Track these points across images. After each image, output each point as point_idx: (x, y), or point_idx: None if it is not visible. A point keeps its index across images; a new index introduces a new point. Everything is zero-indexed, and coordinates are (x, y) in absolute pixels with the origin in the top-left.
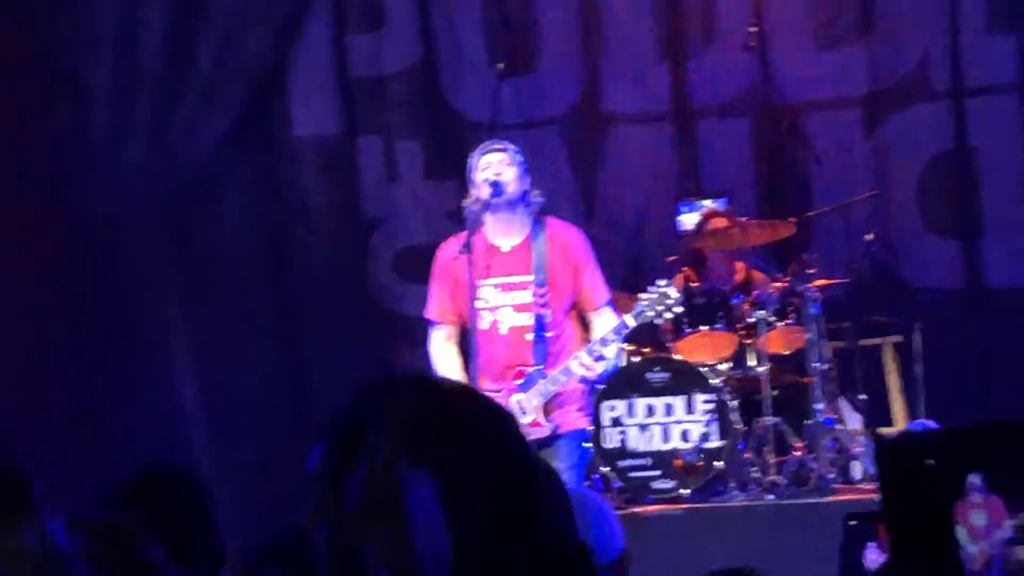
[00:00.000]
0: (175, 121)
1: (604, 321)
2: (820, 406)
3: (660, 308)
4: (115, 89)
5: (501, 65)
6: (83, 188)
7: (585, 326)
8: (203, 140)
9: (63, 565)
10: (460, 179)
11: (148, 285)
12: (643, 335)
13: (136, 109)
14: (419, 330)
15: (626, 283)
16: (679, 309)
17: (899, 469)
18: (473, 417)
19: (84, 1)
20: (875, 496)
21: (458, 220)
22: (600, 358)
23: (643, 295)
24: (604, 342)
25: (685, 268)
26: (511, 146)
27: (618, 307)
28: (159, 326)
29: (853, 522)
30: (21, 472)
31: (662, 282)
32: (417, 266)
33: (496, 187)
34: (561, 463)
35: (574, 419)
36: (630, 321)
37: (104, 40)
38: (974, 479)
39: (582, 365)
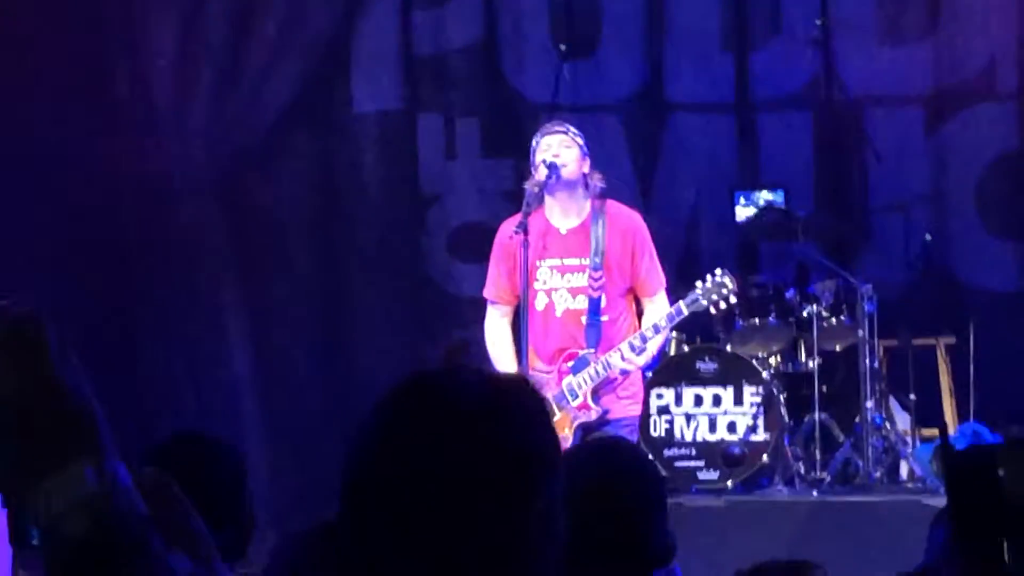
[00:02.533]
0: (237, 90)
1: (658, 308)
2: (869, 404)
3: (715, 297)
4: (177, 55)
5: (563, 47)
6: (142, 152)
7: (640, 312)
8: (264, 110)
9: (125, 503)
10: (518, 158)
11: (202, 253)
12: (695, 324)
13: (198, 76)
14: (470, 308)
15: (680, 272)
16: (733, 300)
17: (968, 479)
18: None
19: None
20: (920, 496)
21: (515, 199)
22: (642, 351)
23: (699, 283)
24: (657, 329)
25: (740, 260)
26: (572, 128)
27: (672, 296)
28: (212, 295)
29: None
30: (87, 409)
31: (719, 271)
32: (471, 244)
33: (554, 169)
34: None
35: (624, 405)
36: (684, 308)
37: (166, 5)
38: None
39: (623, 359)
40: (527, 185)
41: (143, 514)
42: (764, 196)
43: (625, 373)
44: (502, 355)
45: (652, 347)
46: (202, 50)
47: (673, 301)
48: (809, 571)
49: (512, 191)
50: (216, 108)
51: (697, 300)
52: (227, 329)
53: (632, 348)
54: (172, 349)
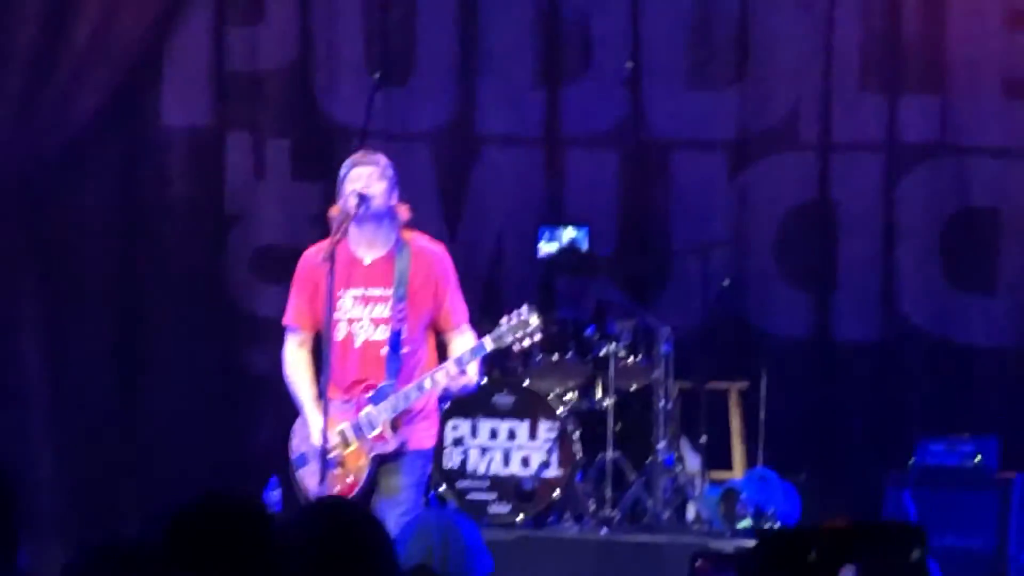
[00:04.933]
0: (42, 95)
1: (462, 341)
2: (661, 445)
3: (519, 334)
4: None
5: (377, 74)
6: None
7: (440, 346)
8: (70, 117)
9: None
10: (327, 182)
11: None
12: (493, 357)
13: (3, 79)
14: (271, 331)
15: (483, 306)
16: (538, 337)
17: (778, 563)
18: None
19: None
20: (705, 539)
21: (321, 224)
22: (463, 373)
23: (504, 320)
24: (459, 362)
25: (540, 295)
26: (383, 159)
27: (473, 329)
28: (7, 303)
29: (699, 562)
30: None
31: (524, 308)
32: (275, 266)
33: (363, 200)
34: (404, 479)
35: (421, 436)
36: (488, 344)
37: None
38: (847, 572)
39: (448, 375)
40: (333, 213)
41: None
42: (568, 234)
43: (446, 394)
44: (299, 382)
45: (471, 372)
46: (8, 53)
47: (476, 334)
48: None
49: (318, 215)
50: (20, 113)
51: (501, 336)
52: (20, 340)
53: (458, 365)
54: None
